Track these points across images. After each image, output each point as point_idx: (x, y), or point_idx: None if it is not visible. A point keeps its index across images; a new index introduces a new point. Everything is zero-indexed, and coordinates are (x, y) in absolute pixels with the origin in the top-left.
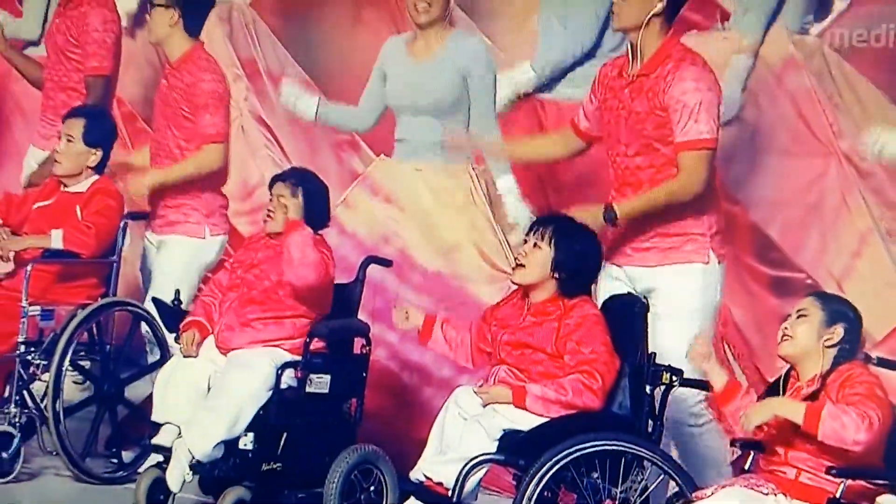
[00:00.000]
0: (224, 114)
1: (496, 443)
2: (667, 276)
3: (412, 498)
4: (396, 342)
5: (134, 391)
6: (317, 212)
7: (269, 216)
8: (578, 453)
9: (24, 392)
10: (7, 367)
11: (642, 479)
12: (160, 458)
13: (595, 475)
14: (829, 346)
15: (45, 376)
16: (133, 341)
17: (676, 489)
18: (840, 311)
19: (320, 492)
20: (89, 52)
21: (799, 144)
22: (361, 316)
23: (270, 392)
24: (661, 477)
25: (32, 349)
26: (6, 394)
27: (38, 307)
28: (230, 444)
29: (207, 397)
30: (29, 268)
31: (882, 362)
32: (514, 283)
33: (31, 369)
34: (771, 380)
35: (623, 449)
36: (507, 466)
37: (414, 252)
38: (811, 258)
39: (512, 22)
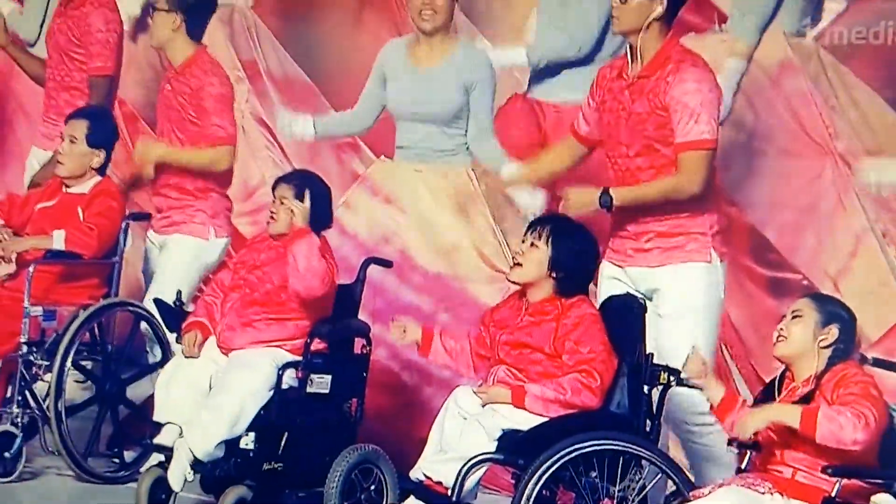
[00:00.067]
0: (231, 117)
1: (495, 442)
2: (670, 276)
3: (412, 497)
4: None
5: (135, 391)
6: (321, 214)
7: (272, 217)
8: (577, 452)
9: (27, 392)
10: (9, 367)
11: (640, 479)
12: (161, 457)
13: (593, 474)
14: (823, 347)
15: (48, 376)
16: (134, 341)
17: (674, 488)
18: (834, 311)
19: (321, 491)
20: (93, 52)
21: (795, 146)
22: (362, 316)
23: (271, 392)
24: (658, 476)
25: (35, 349)
26: (8, 394)
27: (41, 308)
28: (231, 444)
29: (209, 397)
30: (31, 268)
31: (878, 363)
32: (510, 281)
33: (34, 369)
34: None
35: (621, 448)
36: (507, 466)
37: (414, 253)
38: (807, 259)
39: (511, 25)
